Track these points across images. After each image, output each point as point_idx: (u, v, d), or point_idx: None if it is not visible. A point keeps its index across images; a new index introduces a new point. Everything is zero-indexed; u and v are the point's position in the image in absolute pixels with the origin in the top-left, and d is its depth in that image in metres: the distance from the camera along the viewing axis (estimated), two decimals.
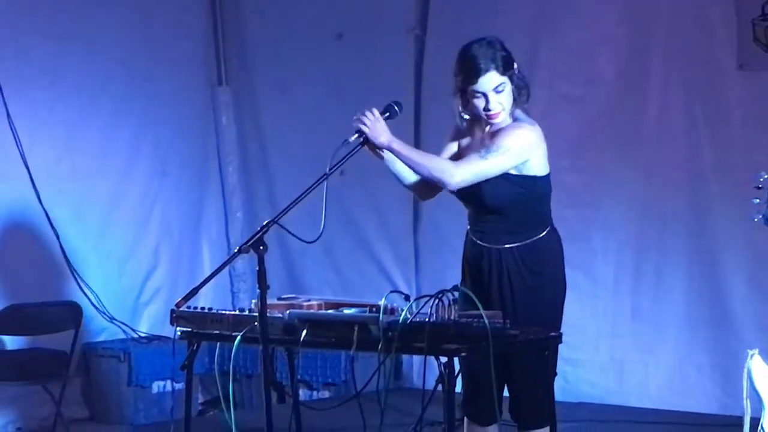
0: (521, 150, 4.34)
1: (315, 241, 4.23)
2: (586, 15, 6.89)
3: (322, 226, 4.17)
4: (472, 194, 4.43)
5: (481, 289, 4.38)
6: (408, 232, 7.57)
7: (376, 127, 4.31)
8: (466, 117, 4.45)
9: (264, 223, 4.11)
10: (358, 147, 4.32)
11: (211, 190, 8.11)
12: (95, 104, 7.36)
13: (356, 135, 4.30)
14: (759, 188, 4.64)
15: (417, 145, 7.44)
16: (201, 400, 7.47)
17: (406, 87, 7.34)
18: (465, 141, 4.52)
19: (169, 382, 7.01)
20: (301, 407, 4.95)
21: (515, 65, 4.38)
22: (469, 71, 4.32)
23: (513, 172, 4.35)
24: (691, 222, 6.64)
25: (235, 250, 4.08)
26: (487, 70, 4.30)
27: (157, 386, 7.08)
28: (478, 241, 4.48)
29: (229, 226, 8.12)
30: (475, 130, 4.49)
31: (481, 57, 4.31)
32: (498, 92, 4.33)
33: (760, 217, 4.65)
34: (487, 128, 4.42)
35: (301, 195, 4.18)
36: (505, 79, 4.34)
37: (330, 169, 4.20)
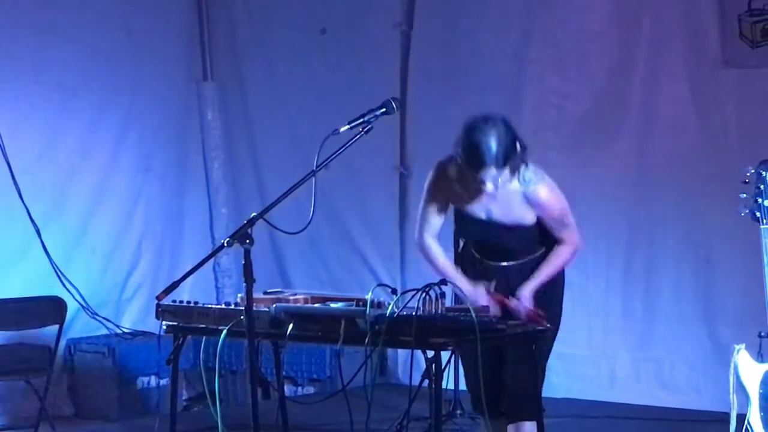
0: (564, 199, 4.56)
1: (299, 232, 4.19)
2: (575, 10, 6.87)
3: (310, 218, 4.14)
4: (489, 241, 4.56)
5: None
6: (394, 227, 7.55)
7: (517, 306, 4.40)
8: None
9: (250, 217, 4.08)
10: (360, 135, 4.27)
11: (196, 186, 8.06)
12: (78, 99, 7.31)
13: (347, 126, 4.25)
14: (746, 183, 4.63)
15: (402, 140, 7.43)
16: (185, 396, 7.44)
17: (392, 82, 7.30)
18: (457, 187, 4.53)
19: (153, 377, 6.99)
20: (287, 402, 4.93)
21: (517, 146, 4.37)
22: (469, 159, 4.34)
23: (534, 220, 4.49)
24: (680, 217, 6.63)
25: (222, 243, 4.05)
26: (485, 166, 4.31)
27: (141, 382, 7.05)
28: (482, 258, 4.57)
29: (213, 222, 8.08)
30: (464, 174, 4.46)
31: (483, 150, 4.29)
32: (494, 177, 4.36)
33: (747, 211, 4.63)
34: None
35: (288, 189, 4.15)
36: (502, 170, 4.36)
37: (322, 162, 4.17)
